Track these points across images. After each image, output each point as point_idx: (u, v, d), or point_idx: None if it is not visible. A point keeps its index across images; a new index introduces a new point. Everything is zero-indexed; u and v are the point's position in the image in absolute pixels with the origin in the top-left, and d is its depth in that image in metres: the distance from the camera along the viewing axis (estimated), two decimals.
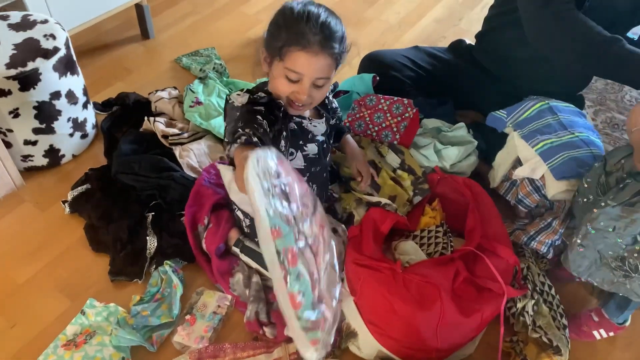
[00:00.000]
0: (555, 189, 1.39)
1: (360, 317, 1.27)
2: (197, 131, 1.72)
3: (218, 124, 1.71)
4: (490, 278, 1.30)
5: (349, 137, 1.55)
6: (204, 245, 1.44)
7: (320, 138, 1.34)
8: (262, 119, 1.14)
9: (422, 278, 1.21)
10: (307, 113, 1.32)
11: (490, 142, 1.65)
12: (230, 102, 1.25)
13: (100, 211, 1.52)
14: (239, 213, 1.42)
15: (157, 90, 1.85)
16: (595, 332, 1.37)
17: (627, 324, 1.36)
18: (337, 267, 1.03)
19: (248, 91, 1.25)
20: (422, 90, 1.74)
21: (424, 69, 1.80)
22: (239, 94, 1.24)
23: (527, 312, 1.34)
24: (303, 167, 1.32)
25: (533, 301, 1.35)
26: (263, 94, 1.22)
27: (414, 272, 1.24)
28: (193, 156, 1.64)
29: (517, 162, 1.51)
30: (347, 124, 1.61)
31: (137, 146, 1.65)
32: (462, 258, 1.33)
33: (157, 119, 1.70)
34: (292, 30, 1.11)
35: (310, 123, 1.31)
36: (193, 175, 1.59)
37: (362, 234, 1.34)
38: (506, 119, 1.54)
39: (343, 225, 1.42)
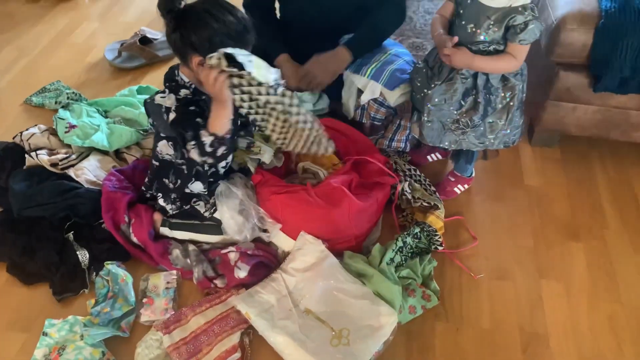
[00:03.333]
0: (393, 97, 1.76)
1: (290, 240, 1.55)
2: (82, 151, 1.81)
3: (99, 139, 1.82)
4: (375, 175, 1.66)
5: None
6: (134, 239, 1.58)
7: None
8: (198, 117, 1.37)
9: (328, 186, 1.52)
10: None
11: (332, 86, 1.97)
12: (155, 103, 1.39)
13: (20, 249, 1.56)
14: (161, 201, 1.58)
15: (22, 132, 1.88)
16: (455, 189, 1.81)
17: (473, 175, 1.82)
18: None
19: (171, 90, 1.39)
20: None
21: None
22: (162, 96, 1.39)
23: (406, 191, 1.72)
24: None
25: (407, 182, 1.73)
26: (186, 90, 1.40)
27: (321, 185, 1.55)
28: (88, 172, 1.73)
29: (359, 92, 1.87)
30: None
31: (30, 182, 1.69)
32: (351, 169, 1.67)
33: (38, 152, 1.76)
34: None
35: None
36: (96, 188, 1.69)
37: (265, 177, 1.61)
38: None
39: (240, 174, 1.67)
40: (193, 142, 1.37)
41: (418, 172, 1.80)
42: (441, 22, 1.51)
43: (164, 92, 1.41)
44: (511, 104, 1.48)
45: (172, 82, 1.43)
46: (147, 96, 1.74)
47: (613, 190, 1.87)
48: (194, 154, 1.38)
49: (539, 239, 1.71)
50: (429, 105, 1.54)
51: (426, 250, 1.60)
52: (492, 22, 1.38)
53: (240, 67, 1.27)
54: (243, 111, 1.36)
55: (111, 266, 1.52)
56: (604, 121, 1.84)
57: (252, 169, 1.68)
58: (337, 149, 1.80)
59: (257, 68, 1.30)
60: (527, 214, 1.78)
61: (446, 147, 1.61)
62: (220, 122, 1.35)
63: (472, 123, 1.51)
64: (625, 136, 1.88)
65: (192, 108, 1.39)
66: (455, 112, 1.53)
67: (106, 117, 1.99)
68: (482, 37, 1.40)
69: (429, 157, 1.93)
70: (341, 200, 1.49)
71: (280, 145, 1.49)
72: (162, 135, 1.52)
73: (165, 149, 1.53)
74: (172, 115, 1.37)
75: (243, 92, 1.33)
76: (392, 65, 1.76)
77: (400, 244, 1.53)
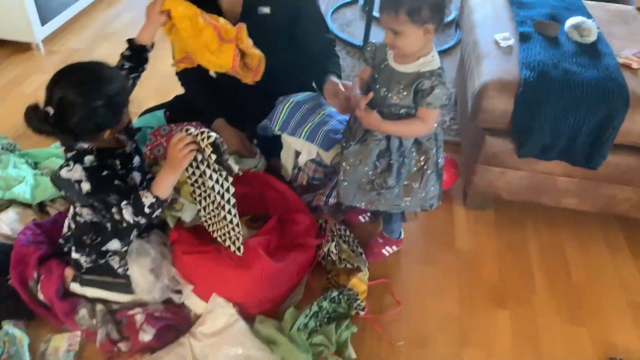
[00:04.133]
0: (329, 157, 1.76)
1: (202, 301, 1.49)
2: (1, 204, 1.77)
3: (21, 191, 1.77)
4: (300, 236, 1.64)
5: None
6: (40, 297, 1.51)
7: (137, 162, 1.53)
8: (114, 180, 1.37)
9: (244, 247, 1.48)
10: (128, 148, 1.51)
11: (272, 145, 1.97)
12: (63, 178, 1.34)
13: None
14: (76, 255, 1.52)
15: None
16: (383, 251, 1.78)
17: (402, 236, 1.79)
18: None
19: (75, 161, 1.35)
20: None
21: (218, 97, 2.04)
22: (68, 169, 1.34)
23: (332, 252, 1.68)
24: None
25: (333, 243, 1.70)
26: (90, 157, 1.36)
27: None
28: (4, 225, 1.68)
29: (297, 153, 1.87)
30: (148, 152, 1.82)
31: None
32: (274, 229, 1.64)
33: None
34: None
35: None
36: (10, 242, 1.63)
37: (181, 235, 1.57)
38: (270, 124, 1.83)
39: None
40: (125, 202, 1.36)
41: (347, 233, 1.78)
42: (359, 84, 1.54)
43: (67, 164, 1.36)
44: (425, 167, 1.48)
45: (72, 151, 1.38)
46: None
47: (544, 256, 1.85)
48: (127, 215, 1.36)
49: (465, 304, 1.67)
50: (344, 165, 1.53)
51: (345, 315, 1.55)
52: (402, 87, 1.40)
53: (219, 155, 1.33)
54: (188, 181, 1.46)
55: (7, 326, 1.44)
56: (533, 187, 1.85)
57: (171, 225, 1.64)
58: (267, 204, 1.79)
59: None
60: (455, 278, 1.75)
61: (363, 207, 1.59)
62: (167, 186, 1.37)
63: (386, 185, 1.50)
64: (556, 202, 1.89)
65: (104, 173, 1.37)
66: (370, 173, 1.52)
67: (36, 168, 1.96)
68: (393, 101, 1.42)
69: (360, 217, 1.91)
70: (254, 261, 1.46)
71: (202, 223, 1.55)
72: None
73: (84, 211, 1.49)
74: (86, 186, 1.33)
75: (197, 168, 1.42)
76: (326, 126, 1.77)
77: (315, 308, 1.48)
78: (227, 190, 1.42)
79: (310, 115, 1.81)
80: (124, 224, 1.37)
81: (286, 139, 1.86)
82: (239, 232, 1.46)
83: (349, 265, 1.66)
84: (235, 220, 1.46)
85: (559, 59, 1.72)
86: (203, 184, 1.46)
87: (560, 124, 1.63)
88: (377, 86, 1.46)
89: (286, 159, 1.92)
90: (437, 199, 1.57)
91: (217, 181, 1.41)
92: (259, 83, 1.88)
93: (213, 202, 1.48)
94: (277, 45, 1.84)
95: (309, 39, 1.85)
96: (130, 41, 1.53)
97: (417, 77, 1.38)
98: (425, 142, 1.47)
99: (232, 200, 1.43)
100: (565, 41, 1.84)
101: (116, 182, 1.39)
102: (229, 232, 1.49)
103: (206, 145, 1.32)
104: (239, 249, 1.46)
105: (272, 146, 1.96)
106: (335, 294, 1.54)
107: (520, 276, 1.78)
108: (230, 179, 1.40)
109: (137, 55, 1.52)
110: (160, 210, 1.38)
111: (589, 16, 1.97)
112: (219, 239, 1.52)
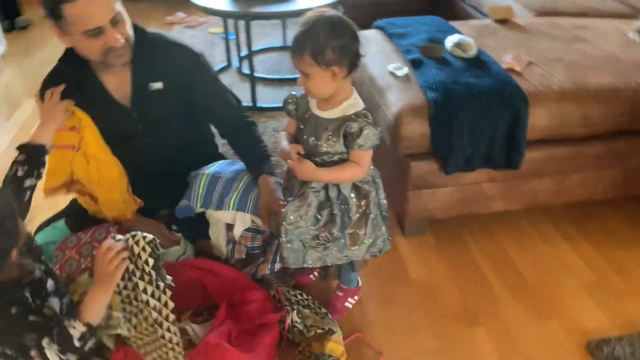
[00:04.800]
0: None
1: None
2: None
3: None
4: (257, 315, 1.49)
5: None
6: None
7: None
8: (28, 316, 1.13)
9: (206, 345, 1.30)
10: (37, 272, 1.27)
11: (195, 225, 1.81)
12: None
13: None
14: None
15: None
16: (346, 304, 1.68)
17: (360, 284, 1.71)
18: None
19: None
20: None
21: None
22: None
23: (296, 322, 1.55)
24: None
25: (294, 312, 1.57)
26: None
27: (197, 348, 1.34)
28: None
29: (229, 227, 1.73)
30: (58, 272, 1.57)
31: None
32: (228, 316, 1.48)
33: None
34: None
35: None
36: None
37: (127, 354, 1.34)
38: (190, 204, 1.69)
39: None
40: (48, 340, 1.13)
41: (305, 296, 1.66)
42: (287, 137, 1.48)
43: None
44: (367, 212, 1.43)
45: None
46: None
47: (492, 263, 1.88)
48: (52, 355, 1.13)
49: (441, 334, 1.62)
50: (285, 224, 1.43)
51: None
52: (330, 133, 1.36)
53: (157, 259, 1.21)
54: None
55: None
56: (463, 199, 1.89)
57: (112, 346, 1.41)
58: (209, 292, 1.62)
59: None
60: (422, 310, 1.70)
61: (310, 266, 1.49)
62: (99, 308, 1.20)
63: (332, 237, 1.42)
64: (486, 208, 1.95)
65: (13, 311, 1.13)
66: (313, 228, 1.44)
67: None
68: (324, 149, 1.37)
69: (311, 276, 1.80)
70: (222, 357, 1.28)
71: (131, 345, 1.35)
72: None
73: None
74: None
75: (129, 280, 1.25)
76: (254, 191, 1.66)
77: None
78: (166, 304, 1.26)
79: (232, 184, 1.70)
80: None
81: (213, 214, 1.72)
82: (179, 353, 1.30)
83: (319, 331, 1.53)
84: (176, 339, 1.30)
85: (455, 75, 1.80)
86: (135, 298, 1.27)
87: (476, 133, 1.70)
88: (305, 137, 1.41)
89: (217, 237, 1.77)
90: (386, 242, 1.51)
91: (152, 295, 1.24)
92: (162, 165, 1.74)
93: (146, 319, 1.29)
94: (176, 120, 1.73)
95: (214, 110, 1.75)
96: (23, 146, 1.33)
97: (343, 121, 1.35)
98: (363, 186, 1.42)
99: (172, 317, 1.27)
100: (452, 59, 1.94)
101: (31, 317, 1.15)
102: (166, 353, 1.31)
103: (142, 249, 1.15)
104: None
105: (196, 227, 1.80)
106: None
107: (480, 289, 1.78)
108: (169, 292, 1.25)
109: (33, 159, 1.33)
110: (93, 339, 1.17)
111: (460, 34, 2.12)
112: None
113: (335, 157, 1.39)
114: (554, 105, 1.76)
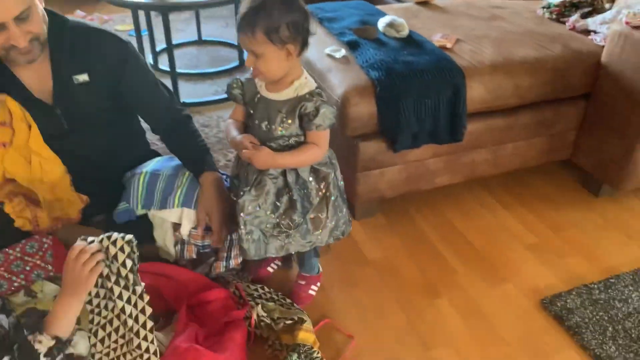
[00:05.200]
0: None
1: None
2: None
3: None
4: (220, 314, 1.41)
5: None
6: None
7: None
8: None
9: (177, 350, 1.20)
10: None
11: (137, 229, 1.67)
12: None
13: None
14: None
15: None
16: (310, 292, 1.64)
17: (321, 270, 1.68)
18: None
19: None
20: None
21: None
22: None
23: (262, 316, 1.49)
24: None
25: (259, 306, 1.51)
26: None
27: (167, 354, 1.23)
28: None
29: (175, 226, 1.61)
30: None
31: None
32: (190, 319, 1.38)
33: None
34: None
35: None
36: None
37: None
38: (130, 206, 1.57)
39: None
40: (7, 359, 1.01)
41: (267, 289, 1.60)
42: (235, 126, 1.40)
43: None
44: (328, 194, 1.40)
45: None
46: None
47: (442, 236, 1.93)
48: None
49: (407, 308, 1.63)
50: (242, 216, 1.36)
51: None
52: (284, 115, 1.31)
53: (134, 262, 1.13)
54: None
55: None
56: (410, 176, 1.92)
57: None
58: (166, 297, 1.51)
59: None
60: (384, 288, 1.71)
61: (273, 256, 1.44)
62: (69, 319, 1.08)
63: (294, 223, 1.37)
64: (431, 184, 1.99)
65: None
66: (273, 216, 1.38)
67: None
68: (279, 133, 1.32)
69: (269, 268, 1.74)
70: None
71: None
72: None
73: None
74: None
75: (102, 287, 1.14)
76: (198, 187, 1.56)
77: None
78: (143, 311, 1.15)
79: (175, 180, 1.59)
80: None
81: (157, 214, 1.60)
82: None
83: (288, 322, 1.48)
84: (153, 348, 1.19)
85: (394, 54, 1.82)
86: (106, 307, 1.15)
87: (421, 110, 1.72)
88: (257, 122, 1.35)
89: (164, 238, 1.64)
90: (348, 224, 1.49)
91: (128, 301, 1.13)
92: (93, 166, 1.60)
93: (117, 330, 1.18)
94: (104, 116, 1.58)
95: (145, 103, 1.62)
96: None
97: (297, 101, 1.30)
98: (322, 169, 1.39)
99: (149, 324, 1.17)
100: (386, 39, 1.96)
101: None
102: None
103: (120, 250, 1.03)
104: None
105: (139, 230, 1.66)
106: (294, 357, 1.35)
107: (435, 262, 1.81)
108: (146, 297, 1.15)
109: None
110: (61, 356, 1.04)
111: (390, 16, 2.15)
112: None
113: (291, 141, 1.35)
114: (487, 78, 1.83)
